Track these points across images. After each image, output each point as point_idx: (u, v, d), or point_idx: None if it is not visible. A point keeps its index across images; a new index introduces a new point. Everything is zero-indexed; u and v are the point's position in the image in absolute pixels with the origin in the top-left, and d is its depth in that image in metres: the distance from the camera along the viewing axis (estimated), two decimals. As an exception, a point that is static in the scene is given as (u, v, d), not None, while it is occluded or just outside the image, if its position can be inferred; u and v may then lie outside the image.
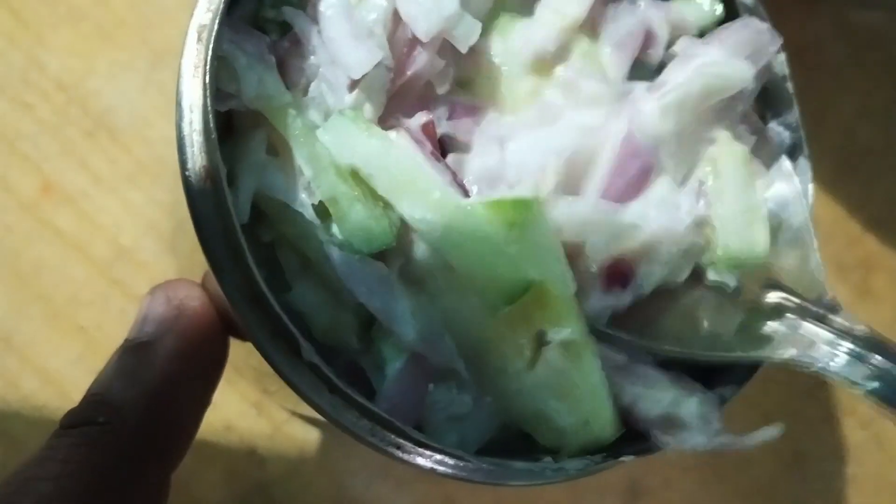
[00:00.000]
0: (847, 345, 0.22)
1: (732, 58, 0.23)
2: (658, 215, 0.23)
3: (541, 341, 0.22)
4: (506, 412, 0.23)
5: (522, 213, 0.22)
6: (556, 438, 0.23)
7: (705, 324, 0.24)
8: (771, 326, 0.23)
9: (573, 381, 0.22)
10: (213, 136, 0.19)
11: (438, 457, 0.21)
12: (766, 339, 0.23)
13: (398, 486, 0.36)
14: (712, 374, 0.25)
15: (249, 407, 0.35)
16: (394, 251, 0.22)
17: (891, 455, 0.47)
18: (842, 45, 0.50)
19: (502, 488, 0.31)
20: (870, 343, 0.22)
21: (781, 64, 0.25)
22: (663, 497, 0.42)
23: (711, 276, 0.24)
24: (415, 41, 0.21)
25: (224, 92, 0.21)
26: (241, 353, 0.33)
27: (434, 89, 0.23)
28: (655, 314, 0.24)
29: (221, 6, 0.20)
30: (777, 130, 0.25)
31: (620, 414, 0.23)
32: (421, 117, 0.23)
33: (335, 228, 0.21)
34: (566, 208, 0.23)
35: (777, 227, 0.24)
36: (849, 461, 0.46)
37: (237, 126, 0.22)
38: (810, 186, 0.25)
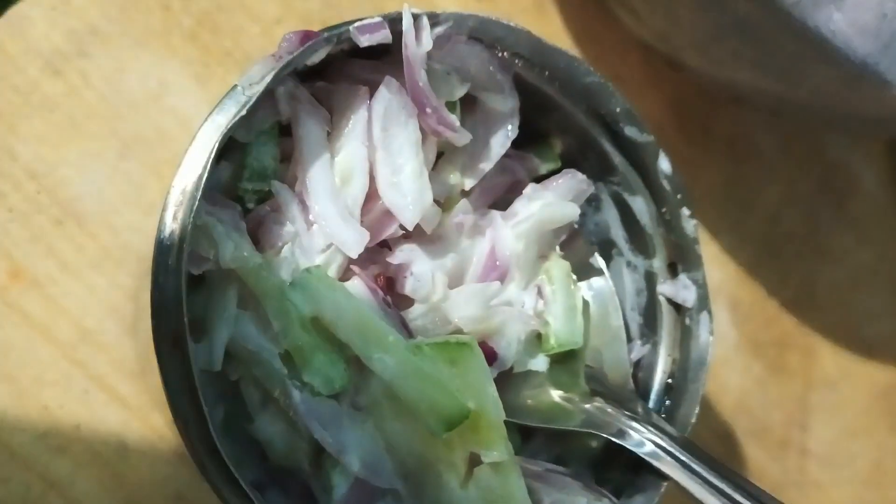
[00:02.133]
0: (648, 436, 0.28)
1: (563, 200, 0.30)
2: (509, 309, 0.30)
3: (473, 462, 0.27)
4: (441, 526, 0.28)
5: (463, 353, 0.26)
6: None
7: (544, 403, 0.31)
8: (593, 409, 0.30)
9: (500, 495, 0.27)
10: (184, 306, 0.22)
11: None
12: (591, 419, 0.30)
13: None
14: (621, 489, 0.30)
15: (201, 479, 0.38)
16: (345, 388, 0.26)
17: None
18: (770, 136, 0.55)
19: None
20: (660, 430, 0.29)
21: (693, 228, 0.30)
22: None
23: (539, 365, 0.31)
24: (389, 217, 0.26)
25: (199, 255, 0.24)
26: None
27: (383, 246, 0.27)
28: (511, 396, 0.30)
29: (199, 186, 0.23)
30: (686, 283, 0.30)
31: None
32: (374, 270, 0.27)
33: (299, 373, 0.25)
34: (454, 296, 0.29)
35: (600, 324, 0.31)
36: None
37: (210, 282, 0.25)
38: (710, 339, 0.30)
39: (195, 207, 0.23)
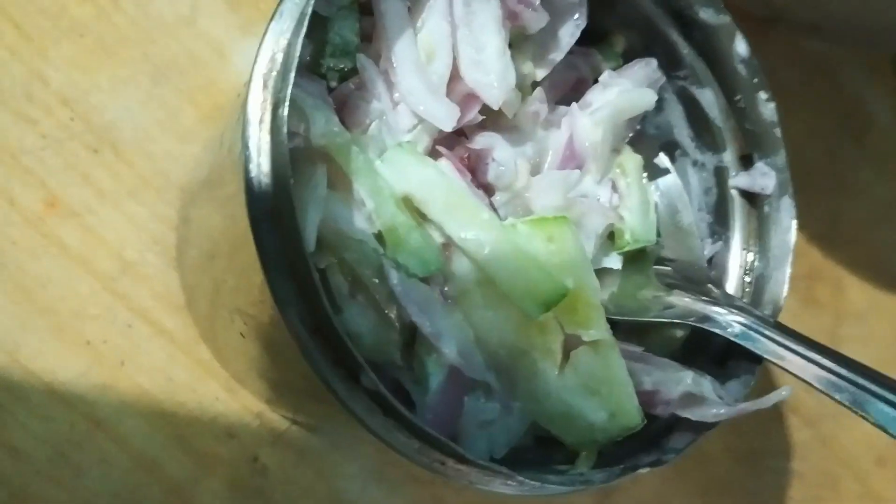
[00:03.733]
0: (736, 318, 0.28)
1: (640, 86, 0.30)
2: (588, 200, 0.30)
3: (569, 346, 0.26)
4: (534, 415, 0.27)
5: (561, 228, 0.26)
6: (585, 434, 0.27)
7: (624, 298, 0.31)
8: (674, 300, 0.30)
9: (601, 377, 0.26)
10: (290, 179, 0.22)
11: (477, 471, 0.25)
12: (673, 309, 0.30)
13: (391, 490, 0.40)
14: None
15: (252, 416, 0.37)
16: (436, 274, 0.26)
17: (832, 451, 0.53)
18: (793, 70, 0.56)
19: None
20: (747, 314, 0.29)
21: (771, 111, 0.30)
22: (632, 493, 0.46)
23: (613, 262, 0.31)
24: (471, 98, 0.25)
25: (290, 131, 0.23)
26: (243, 363, 0.35)
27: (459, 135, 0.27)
28: None
29: (294, 56, 0.22)
30: (764, 170, 0.30)
31: (642, 400, 0.27)
32: (460, 151, 0.26)
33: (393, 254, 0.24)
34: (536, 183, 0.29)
35: (670, 222, 0.32)
36: (795, 457, 0.52)
37: (296, 162, 0.24)
38: (793, 223, 0.29)
39: (292, 75, 0.22)
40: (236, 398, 0.37)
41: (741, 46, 0.29)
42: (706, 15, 0.29)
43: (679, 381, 0.27)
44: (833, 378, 0.26)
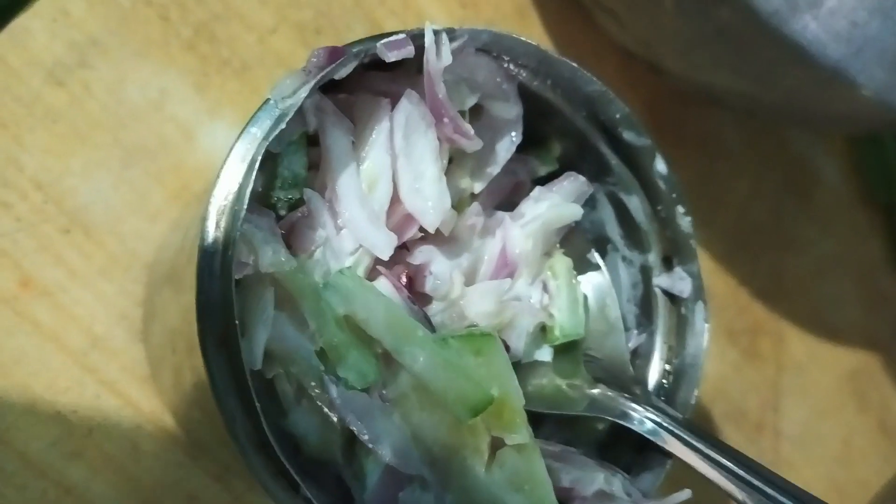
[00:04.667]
0: (649, 416, 0.31)
1: (567, 201, 0.33)
2: (519, 303, 0.33)
3: (495, 446, 0.29)
4: (465, 508, 0.30)
5: (487, 343, 0.29)
6: None
7: (551, 391, 0.34)
8: (596, 394, 0.33)
9: (524, 476, 0.29)
10: (234, 313, 0.24)
11: None
12: (594, 404, 0.33)
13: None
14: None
15: (212, 480, 0.40)
16: (375, 382, 0.28)
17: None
18: (740, 131, 0.59)
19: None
20: (660, 412, 0.32)
21: (687, 224, 0.33)
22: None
23: (544, 355, 0.34)
24: (410, 220, 0.28)
25: (239, 261, 0.26)
26: (204, 434, 0.38)
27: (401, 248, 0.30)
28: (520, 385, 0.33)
29: (243, 197, 0.25)
30: (682, 275, 0.33)
31: (561, 495, 0.30)
32: (399, 269, 0.29)
33: (333, 368, 0.27)
34: (470, 293, 0.32)
35: (599, 315, 0.34)
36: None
37: (247, 286, 0.27)
38: (706, 326, 0.32)
39: (241, 216, 0.25)
40: (198, 464, 0.40)
41: (661, 165, 0.32)
42: (629, 136, 0.32)
43: (593, 481, 0.30)
44: (732, 479, 0.29)
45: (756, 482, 0.29)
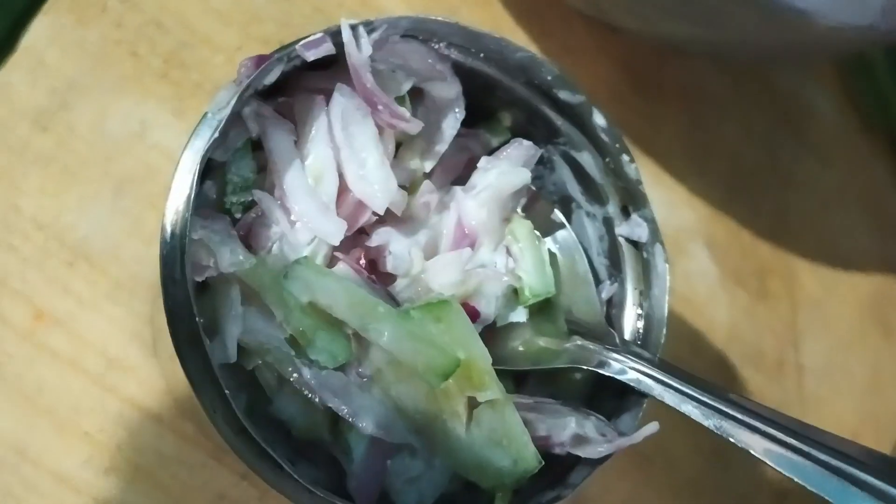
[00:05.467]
0: (623, 361, 0.33)
1: (515, 166, 0.34)
2: (483, 270, 0.34)
3: (472, 406, 0.31)
4: (454, 467, 0.32)
5: (444, 309, 0.30)
6: (496, 479, 0.31)
7: (530, 349, 0.35)
8: (574, 347, 0.34)
9: (501, 431, 0.31)
10: (196, 315, 0.26)
11: None
12: (573, 356, 0.34)
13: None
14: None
15: (238, 478, 0.42)
16: (350, 361, 0.30)
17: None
18: (721, 79, 0.59)
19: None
20: (635, 356, 0.33)
21: (634, 171, 0.34)
22: (605, 501, 0.50)
23: (519, 316, 0.35)
24: (362, 206, 0.30)
25: (201, 265, 0.28)
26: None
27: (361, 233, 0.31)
28: (499, 348, 0.35)
29: (190, 207, 0.27)
30: (637, 221, 0.34)
31: (540, 444, 0.31)
32: (357, 252, 0.31)
33: (305, 352, 0.29)
34: (432, 266, 0.33)
35: (569, 271, 0.36)
36: (764, 445, 0.55)
37: (214, 287, 0.29)
38: (666, 267, 0.34)
39: (189, 223, 0.27)
40: (223, 464, 0.42)
41: (599, 119, 0.33)
42: (565, 96, 0.33)
43: (566, 426, 0.31)
44: (701, 408, 0.30)
45: (725, 409, 0.30)
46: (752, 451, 0.29)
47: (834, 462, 0.28)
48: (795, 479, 0.28)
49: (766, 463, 0.29)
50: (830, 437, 0.29)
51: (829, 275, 0.60)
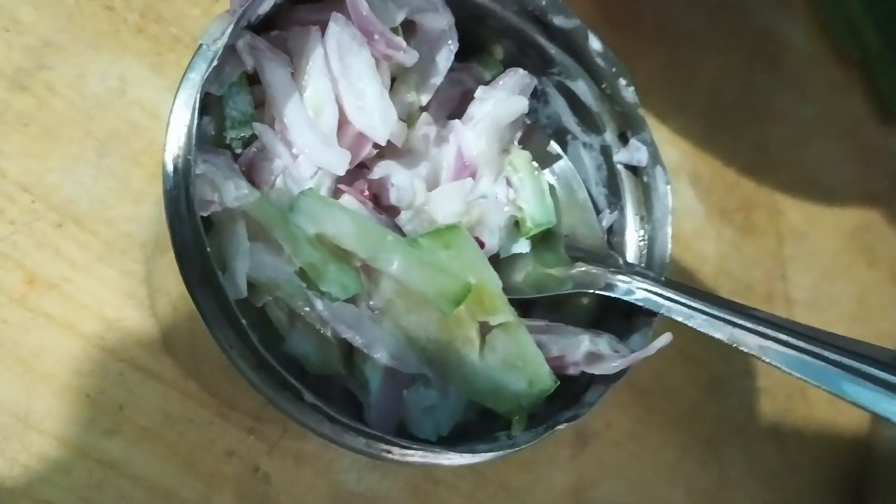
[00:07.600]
0: (630, 282, 0.33)
1: (511, 95, 0.34)
2: (485, 200, 0.34)
3: (484, 332, 0.31)
4: (468, 394, 0.32)
5: (454, 235, 0.30)
6: (512, 403, 0.31)
7: (535, 278, 0.35)
8: (579, 273, 0.35)
9: (515, 353, 0.31)
10: (207, 247, 0.26)
11: (420, 452, 0.29)
12: (579, 281, 0.34)
13: (385, 474, 0.45)
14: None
15: (246, 433, 0.42)
16: (360, 294, 0.30)
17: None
18: (696, 14, 0.60)
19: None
20: (641, 276, 0.33)
21: (632, 94, 0.34)
22: (607, 436, 0.51)
23: (522, 247, 0.36)
24: (362, 138, 0.30)
25: (205, 200, 0.28)
26: (226, 390, 0.40)
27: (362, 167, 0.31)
28: (503, 278, 0.34)
29: (192, 140, 0.27)
30: (636, 145, 0.34)
31: (554, 365, 0.32)
32: (361, 184, 0.31)
33: (316, 285, 0.29)
34: (434, 197, 0.33)
35: (568, 201, 0.36)
36: (758, 376, 0.57)
37: (219, 223, 0.29)
38: (668, 188, 0.34)
39: (194, 154, 0.27)
40: (229, 420, 0.42)
41: (595, 43, 0.33)
42: (559, 21, 0.33)
43: (579, 345, 0.32)
44: (711, 319, 0.31)
45: (735, 319, 0.30)
46: (764, 358, 0.30)
47: (847, 361, 0.28)
48: (810, 382, 0.29)
49: (777, 367, 0.30)
50: (842, 339, 0.29)
51: (812, 207, 0.62)
